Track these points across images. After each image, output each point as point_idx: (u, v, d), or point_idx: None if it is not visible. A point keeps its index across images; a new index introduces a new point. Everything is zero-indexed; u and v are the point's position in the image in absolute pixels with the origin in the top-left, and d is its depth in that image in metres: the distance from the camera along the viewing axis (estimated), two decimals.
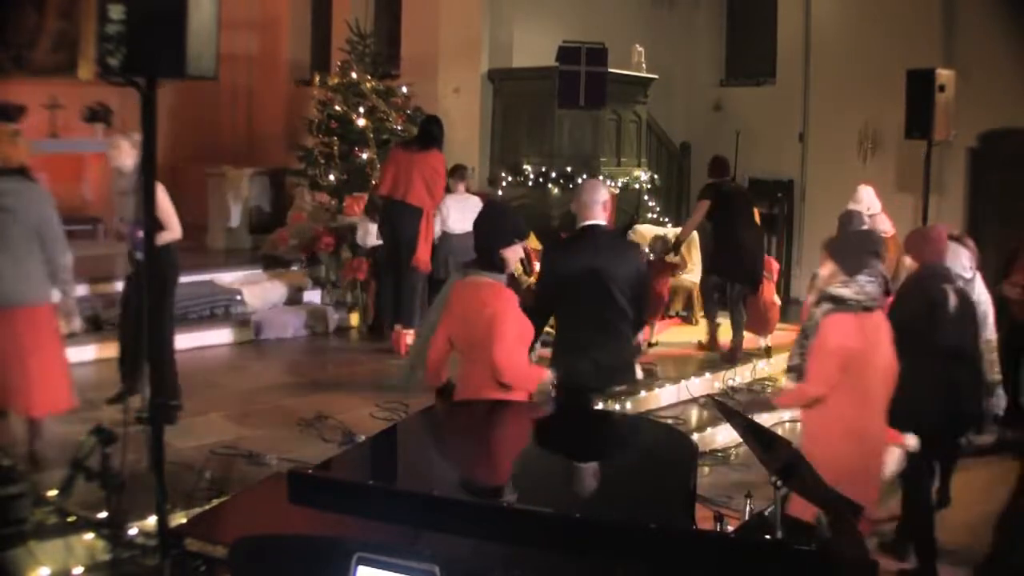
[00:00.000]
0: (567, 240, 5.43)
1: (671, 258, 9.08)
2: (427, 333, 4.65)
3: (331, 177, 10.16)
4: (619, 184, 10.45)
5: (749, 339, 8.40)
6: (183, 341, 8.04)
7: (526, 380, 4.21)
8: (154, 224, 3.75)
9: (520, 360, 4.13)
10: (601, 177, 10.23)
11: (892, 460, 4.44)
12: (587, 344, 4.93)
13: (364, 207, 9.02)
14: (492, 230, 4.22)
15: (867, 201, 7.40)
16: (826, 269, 4.20)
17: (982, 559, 4.70)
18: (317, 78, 10.99)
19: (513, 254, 4.22)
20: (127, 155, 6.19)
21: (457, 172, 8.55)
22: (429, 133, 8.23)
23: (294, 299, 9.28)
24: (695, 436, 6.37)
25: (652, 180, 10.99)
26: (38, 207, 5.20)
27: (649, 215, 10.95)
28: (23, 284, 5.15)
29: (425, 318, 4.30)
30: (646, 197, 10.90)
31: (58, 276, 5.27)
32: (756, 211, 8.64)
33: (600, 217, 4.97)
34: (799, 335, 5.68)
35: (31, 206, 5.16)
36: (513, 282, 5.57)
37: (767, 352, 8.49)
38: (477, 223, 4.29)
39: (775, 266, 9.19)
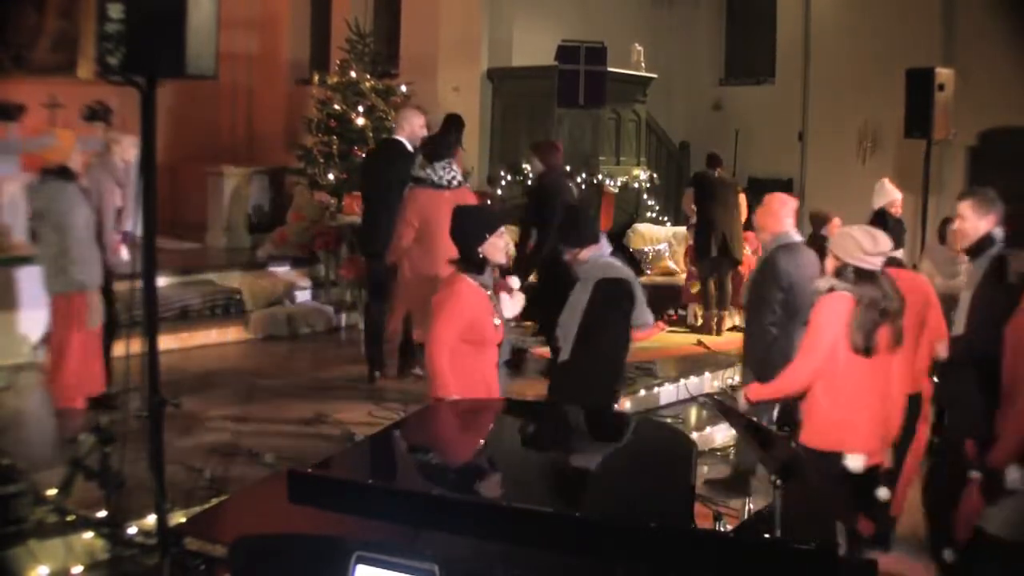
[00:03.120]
0: (374, 151, 7.72)
1: None
2: None
3: (330, 176, 10.16)
4: (618, 183, 10.45)
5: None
6: (183, 340, 8.08)
7: (441, 387, 4.07)
8: (154, 225, 3.74)
9: (444, 364, 4.06)
10: (600, 176, 10.26)
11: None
12: (377, 221, 6.85)
13: None
14: (464, 232, 4.27)
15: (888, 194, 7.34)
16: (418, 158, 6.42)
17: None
18: (316, 77, 10.98)
19: (492, 248, 4.24)
20: (131, 150, 6.37)
21: None
22: None
23: (293, 298, 9.28)
24: (695, 435, 6.37)
25: (651, 179, 10.99)
26: (63, 207, 5.66)
27: (648, 214, 10.96)
28: (50, 277, 5.79)
29: None
30: (645, 196, 10.91)
31: (66, 269, 5.70)
32: (742, 197, 9.24)
33: (401, 135, 6.98)
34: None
35: (56, 207, 5.63)
36: None
37: None
38: (451, 227, 4.34)
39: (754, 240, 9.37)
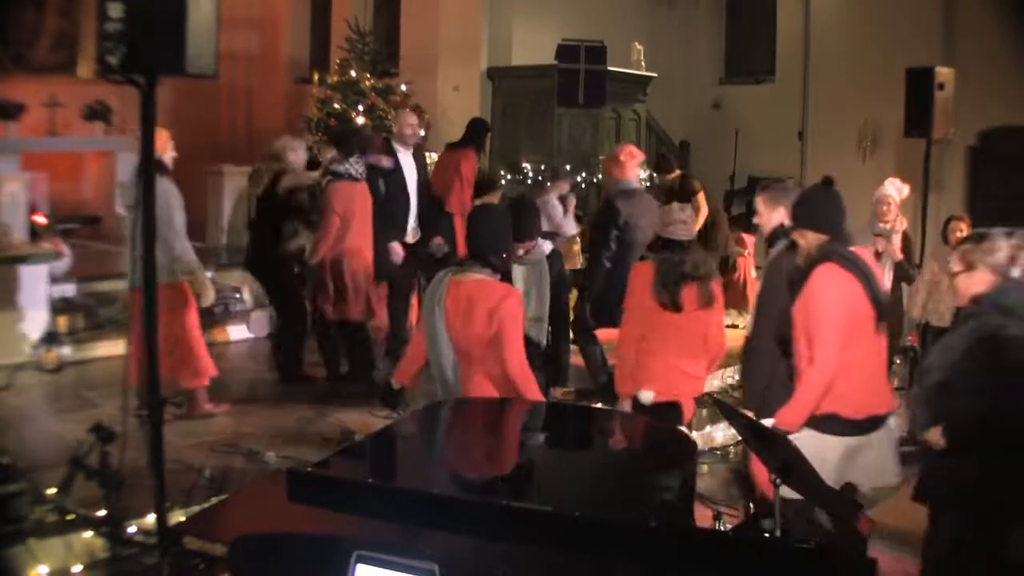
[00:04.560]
0: None
1: None
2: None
3: None
4: None
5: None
6: None
7: (531, 387, 4.07)
8: (153, 225, 3.73)
9: (526, 366, 4.08)
10: (600, 176, 10.27)
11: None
12: None
13: None
14: (497, 235, 4.18)
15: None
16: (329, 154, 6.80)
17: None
18: (316, 76, 10.99)
19: (513, 254, 4.28)
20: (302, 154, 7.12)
21: None
22: None
23: None
24: (695, 434, 6.36)
25: (651, 178, 10.98)
26: (160, 202, 5.62)
27: None
28: (135, 269, 5.83)
29: (420, 316, 4.43)
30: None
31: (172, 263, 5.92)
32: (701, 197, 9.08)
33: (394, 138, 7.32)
34: None
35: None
36: None
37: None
38: (481, 229, 4.22)
39: (750, 241, 9.39)
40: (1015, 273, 3.69)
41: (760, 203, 4.66)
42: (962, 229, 7.14)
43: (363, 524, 2.53)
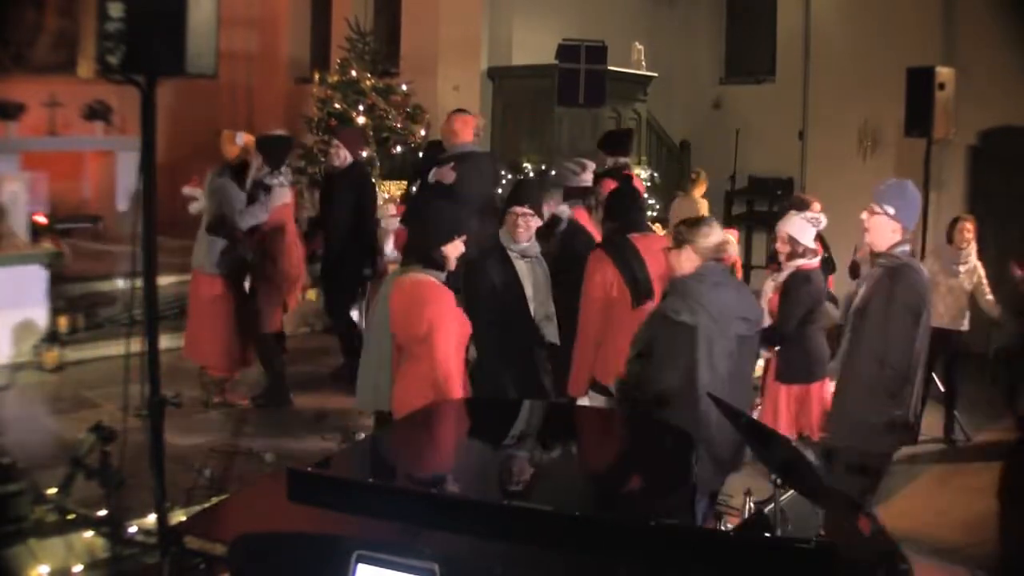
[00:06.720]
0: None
1: None
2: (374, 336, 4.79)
3: None
4: None
5: None
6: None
7: (453, 388, 4.11)
8: (154, 226, 3.73)
9: (455, 367, 4.12)
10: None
11: None
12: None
13: None
14: (431, 229, 4.25)
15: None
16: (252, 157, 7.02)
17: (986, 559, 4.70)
18: (317, 76, 10.99)
19: (454, 250, 4.24)
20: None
21: None
22: None
23: None
24: None
25: (652, 178, 10.98)
26: (216, 198, 6.66)
27: (649, 213, 10.94)
28: (198, 254, 6.65)
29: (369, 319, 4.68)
30: (646, 195, 10.88)
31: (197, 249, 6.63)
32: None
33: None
34: None
35: (212, 198, 6.69)
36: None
37: None
38: (413, 220, 4.62)
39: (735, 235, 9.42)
40: (719, 259, 4.05)
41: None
42: (968, 228, 7.11)
43: (363, 524, 2.52)
